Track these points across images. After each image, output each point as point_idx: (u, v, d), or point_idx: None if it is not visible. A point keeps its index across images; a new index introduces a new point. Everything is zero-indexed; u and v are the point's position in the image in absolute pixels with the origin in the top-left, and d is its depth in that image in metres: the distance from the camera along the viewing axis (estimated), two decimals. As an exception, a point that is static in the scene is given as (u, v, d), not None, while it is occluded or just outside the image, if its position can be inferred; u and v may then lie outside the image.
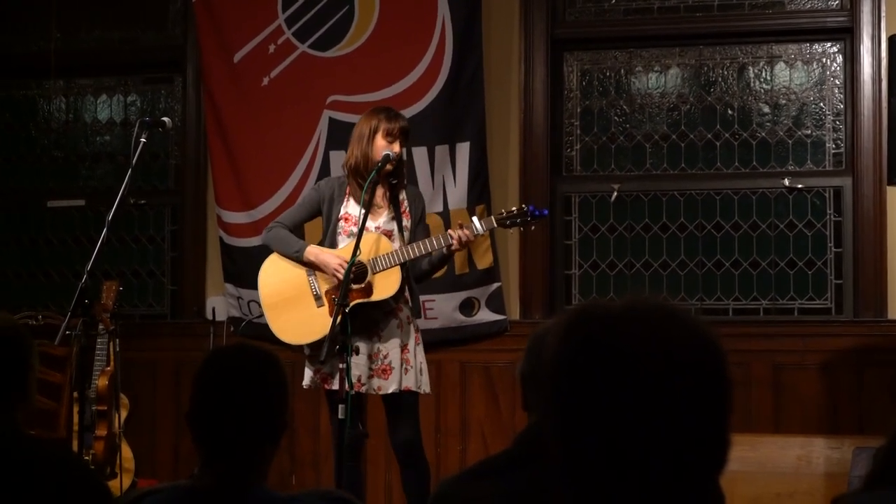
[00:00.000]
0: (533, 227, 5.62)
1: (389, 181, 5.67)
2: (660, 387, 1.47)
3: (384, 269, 5.47)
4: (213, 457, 2.76)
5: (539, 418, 1.59)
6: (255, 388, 2.78)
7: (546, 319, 6.94)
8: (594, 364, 1.50)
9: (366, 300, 5.47)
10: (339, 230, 5.61)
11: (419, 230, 5.66)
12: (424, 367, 5.66)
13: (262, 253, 7.35)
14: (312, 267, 5.66)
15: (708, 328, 1.55)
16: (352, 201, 5.62)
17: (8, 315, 3.23)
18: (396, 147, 5.56)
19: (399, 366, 5.51)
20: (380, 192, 5.67)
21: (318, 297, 5.67)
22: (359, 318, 5.48)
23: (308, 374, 5.64)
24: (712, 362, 1.53)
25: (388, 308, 5.54)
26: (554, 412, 1.53)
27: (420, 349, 5.65)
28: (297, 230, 5.89)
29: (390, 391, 5.51)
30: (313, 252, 5.66)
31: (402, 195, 5.71)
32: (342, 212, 5.63)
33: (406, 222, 5.65)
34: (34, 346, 3.14)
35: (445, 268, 6.07)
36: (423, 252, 5.48)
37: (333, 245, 5.62)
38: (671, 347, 1.51)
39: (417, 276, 5.71)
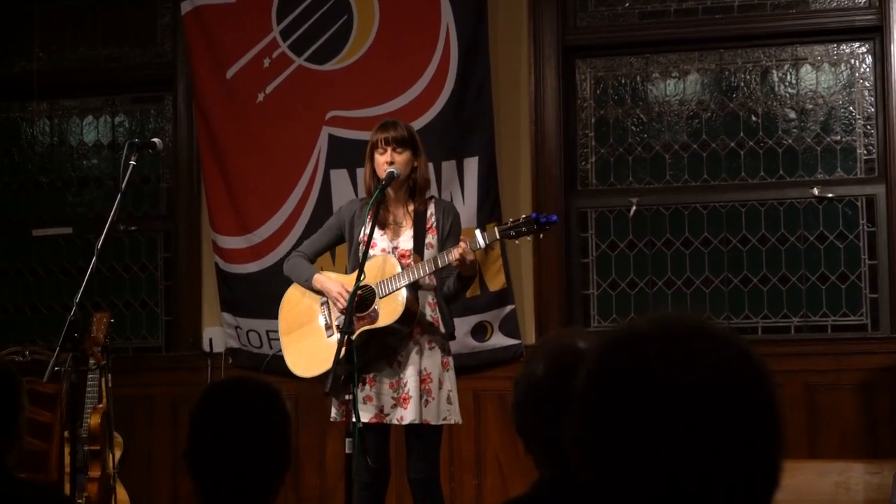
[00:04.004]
0: (542, 236, 5.57)
1: (409, 196, 5.67)
2: (704, 413, 1.48)
3: (389, 293, 5.46)
4: (213, 496, 2.76)
5: (571, 454, 1.59)
6: (255, 423, 2.79)
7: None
8: (632, 392, 1.50)
9: (371, 327, 5.46)
10: (360, 253, 5.60)
11: (448, 245, 5.56)
12: (454, 395, 5.63)
13: (262, 280, 7.40)
14: (323, 295, 5.69)
15: (749, 347, 1.56)
16: (371, 222, 5.60)
17: None
18: (388, 157, 5.55)
19: (418, 396, 5.48)
20: (401, 209, 5.68)
21: (328, 327, 5.68)
22: (374, 346, 5.48)
23: (333, 407, 5.63)
24: (757, 383, 1.53)
25: (403, 333, 5.52)
26: (589, 444, 1.53)
27: (449, 376, 5.62)
28: (322, 257, 5.97)
29: (408, 422, 5.49)
30: (319, 280, 5.69)
31: (430, 210, 5.69)
32: (362, 234, 5.63)
33: (431, 238, 5.63)
34: (23, 385, 3.14)
35: (470, 288, 6.00)
36: (427, 272, 5.46)
37: (356, 269, 5.60)
38: (713, 371, 1.51)
39: (446, 299, 5.70)
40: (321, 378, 5.50)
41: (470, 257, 5.36)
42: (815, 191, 7.19)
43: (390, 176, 5.50)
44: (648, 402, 1.49)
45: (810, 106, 7.30)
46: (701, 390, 1.49)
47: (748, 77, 7.39)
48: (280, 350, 5.93)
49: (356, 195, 7.13)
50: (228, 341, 7.66)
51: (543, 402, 2.46)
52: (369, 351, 5.45)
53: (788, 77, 7.35)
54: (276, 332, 5.96)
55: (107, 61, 8.27)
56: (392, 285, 5.46)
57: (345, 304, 5.43)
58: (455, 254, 5.33)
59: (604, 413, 1.51)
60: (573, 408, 1.57)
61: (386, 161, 5.55)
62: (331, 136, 7.46)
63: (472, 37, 7.28)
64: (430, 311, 5.61)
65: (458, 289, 5.62)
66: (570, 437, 1.56)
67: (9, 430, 3.07)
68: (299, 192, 7.48)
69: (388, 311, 5.46)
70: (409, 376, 5.49)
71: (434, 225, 5.65)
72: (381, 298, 5.48)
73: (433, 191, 6.38)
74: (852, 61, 7.26)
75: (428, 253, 5.57)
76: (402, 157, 5.59)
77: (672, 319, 1.57)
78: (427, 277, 5.55)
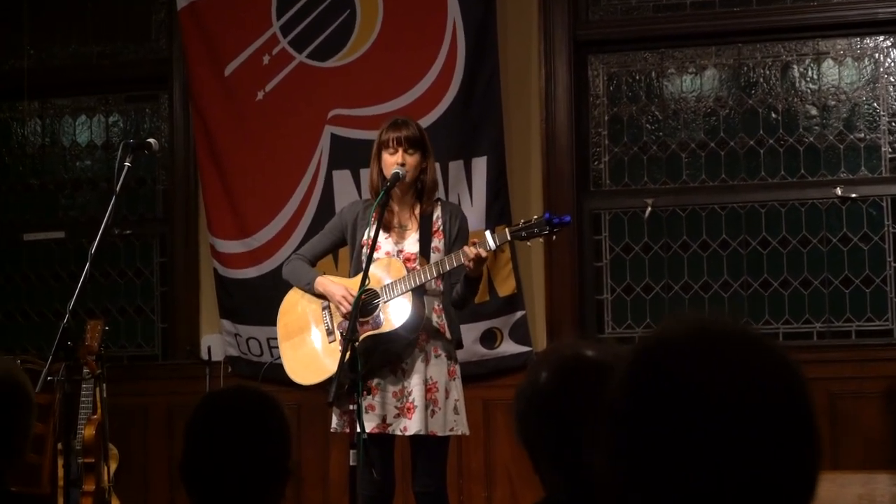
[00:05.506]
0: (554, 238, 5.54)
1: (417, 199, 5.67)
2: (740, 419, 1.50)
3: (395, 297, 5.46)
4: (210, 511, 2.77)
5: (598, 464, 1.60)
6: (253, 435, 2.80)
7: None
8: (668, 398, 1.52)
9: (376, 332, 5.46)
10: (363, 257, 5.57)
11: (457, 249, 5.52)
12: (461, 405, 5.63)
13: (262, 285, 7.40)
14: (325, 299, 5.69)
15: (785, 352, 1.58)
16: (376, 224, 5.58)
17: (13, 363, 3.23)
18: (399, 157, 5.55)
19: (423, 405, 5.48)
20: (407, 212, 5.68)
21: (330, 332, 5.68)
22: (378, 353, 5.48)
23: (334, 416, 5.63)
24: (795, 389, 1.55)
25: (408, 339, 5.52)
26: (621, 452, 1.55)
27: (456, 385, 5.62)
28: (322, 260, 5.97)
29: (412, 433, 5.50)
30: (322, 283, 5.69)
31: (437, 213, 5.69)
32: (365, 236, 5.62)
33: (437, 242, 5.63)
34: (35, 406, 3.13)
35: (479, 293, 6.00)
36: (435, 274, 5.45)
37: (359, 273, 5.58)
38: (751, 376, 1.53)
39: (457, 305, 5.70)
40: (323, 386, 5.50)
41: (484, 255, 5.34)
42: (838, 191, 7.19)
43: (395, 177, 5.50)
44: (684, 407, 1.51)
45: (833, 102, 7.30)
46: (738, 396, 1.51)
47: (768, 72, 7.39)
48: (278, 358, 5.92)
49: (360, 197, 7.13)
50: (227, 349, 7.67)
51: (548, 410, 2.47)
52: (372, 358, 5.45)
53: (810, 72, 7.35)
54: (277, 339, 5.95)
55: (100, 58, 8.29)
56: (397, 289, 5.46)
57: (349, 308, 5.42)
58: (470, 253, 5.30)
59: (639, 419, 1.53)
60: (602, 416, 1.58)
61: (396, 161, 5.54)
62: (333, 136, 7.47)
63: (480, 32, 7.29)
64: (436, 318, 5.61)
65: (468, 292, 5.61)
66: (599, 445, 1.57)
67: (15, 449, 3.08)
68: (300, 195, 7.49)
69: (393, 316, 5.46)
70: (415, 385, 5.49)
71: (441, 228, 5.65)
72: (385, 303, 5.47)
73: (439, 192, 6.39)
74: (876, 55, 7.27)
75: (434, 257, 5.57)
76: (412, 159, 5.58)
77: (708, 323, 1.59)
78: (433, 282, 5.55)
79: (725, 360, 1.53)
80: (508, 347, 7.26)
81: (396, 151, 5.56)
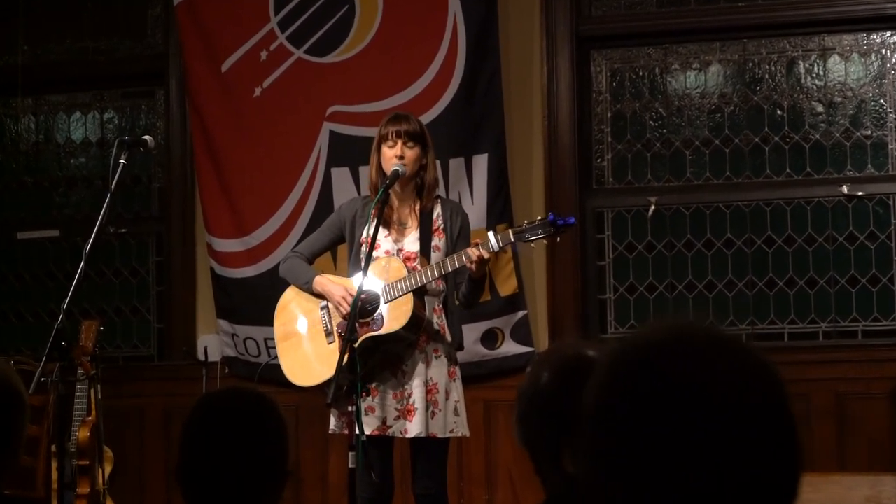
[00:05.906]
0: (558, 239, 5.54)
1: (417, 195, 5.66)
2: (718, 423, 1.50)
3: (395, 298, 5.44)
4: (207, 513, 2.76)
5: (579, 469, 1.61)
6: (250, 436, 2.79)
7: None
8: (645, 402, 1.53)
9: (376, 333, 5.45)
10: (361, 255, 5.56)
11: (460, 248, 5.53)
12: (461, 406, 5.63)
13: (260, 285, 7.39)
14: (324, 299, 5.67)
15: (761, 353, 1.58)
16: (375, 222, 5.56)
17: (6, 364, 3.21)
18: (398, 150, 5.53)
19: (424, 407, 5.48)
20: (407, 209, 5.67)
21: (328, 333, 5.66)
22: (378, 354, 5.47)
23: (333, 418, 5.62)
24: (771, 391, 1.55)
25: (408, 341, 5.51)
26: (599, 456, 1.55)
27: (456, 386, 5.61)
28: (322, 258, 5.96)
29: (413, 435, 5.49)
30: (321, 282, 5.67)
31: (437, 211, 5.68)
32: (364, 233, 5.61)
33: (438, 241, 5.61)
34: (28, 410, 3.12)
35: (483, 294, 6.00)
36: (436, 275, 5.44)
37: (358, 271, 5.53)
38: (728, 378, 1.53)
39: (465, 305, 5.70)
40: (321, 387, 5.49)
41: (487, 256, 5.34)
42: (845, 188, 7.18)
43: (395, 174, 5.49)
44: (685, 407, 1.51)
45: (839, 99, 7.29)
46: (738, 396, 1.51)
47: (773, 68, 7.39)
48: (276, 358, 5.91)
49: (359, 195, 7.12)
50: (225, 350, 7.66)
51: (549, 410, 2.47)
52: (372, 359, 5.44)
53: (815, 68, 7.35)
54: (274, 339, 5.94)
55: (95, 54, 8.28)
56: (398, 289, 5.44)
57: (348, 308, 5.40)
58: (472, 255, 5.30)
59: (638, 420, 1.53)
60: (583, 420, 1.58)
61: (395, 154, 5.53)
62: (332, 133, 7.46)
63: (482, 27, 7.28)
64: (437, 318, 5.60)
65: (472, 292, 5.59)
66: (579, 449, 1.57)
67: (7, 452, 3.06)
68: (298, 192, 7.48)
69: (394, 316, 5.45)
70: (415, 387, 5.48)
71: (441, 227, 5.64)
72: (386, 303, 5.46)
73: (440, 190, 6.37)
74: (883, 51, 7.26)
75: (434, 256, 5.56)
76: (412, 153, 5.57)
77: (684, 327, 1.59)
78: (434, 282, 5.54)
79: (724, 360, 1.54)
80: (510, 348, 7.25)
81: (396, 144, 5.55)
